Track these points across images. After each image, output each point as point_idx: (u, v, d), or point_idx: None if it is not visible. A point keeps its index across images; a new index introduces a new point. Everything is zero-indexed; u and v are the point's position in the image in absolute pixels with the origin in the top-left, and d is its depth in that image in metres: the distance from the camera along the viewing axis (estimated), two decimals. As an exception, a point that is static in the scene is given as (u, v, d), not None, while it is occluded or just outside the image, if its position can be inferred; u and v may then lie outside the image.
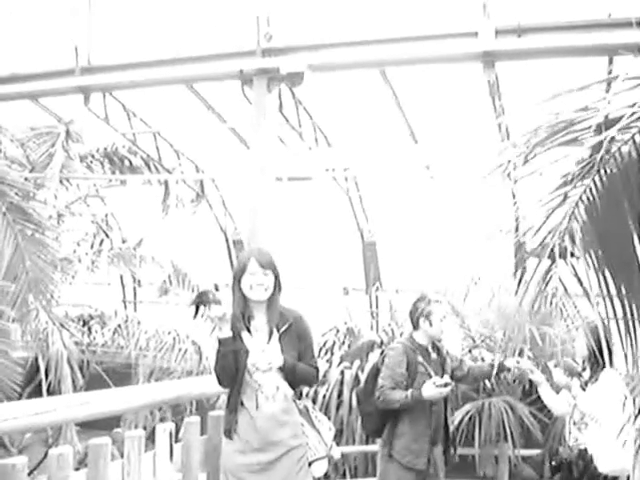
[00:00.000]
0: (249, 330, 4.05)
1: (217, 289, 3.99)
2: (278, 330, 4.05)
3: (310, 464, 4.04)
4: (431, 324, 5.17)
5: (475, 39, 6.79)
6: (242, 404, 3.96)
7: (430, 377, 5.03)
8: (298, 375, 4.06)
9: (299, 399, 4.14)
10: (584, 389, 5.14)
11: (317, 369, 4.20)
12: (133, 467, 3.53)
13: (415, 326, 5.27)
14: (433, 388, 4.88)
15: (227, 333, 3.90)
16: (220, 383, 4.05)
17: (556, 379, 5.39)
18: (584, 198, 2.59)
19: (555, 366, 5.60)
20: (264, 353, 3.97)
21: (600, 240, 2.66)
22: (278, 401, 3.97)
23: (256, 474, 3.90)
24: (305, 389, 8.84)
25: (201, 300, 3.81)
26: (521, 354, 6.02)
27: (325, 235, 11.62)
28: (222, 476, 4.03)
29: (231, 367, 3.92)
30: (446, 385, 4.89)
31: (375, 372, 5.25)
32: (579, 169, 2.58)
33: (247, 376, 3.96)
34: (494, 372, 5.57)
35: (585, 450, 5.01)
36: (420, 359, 5.12)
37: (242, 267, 4.02)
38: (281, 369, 3.99)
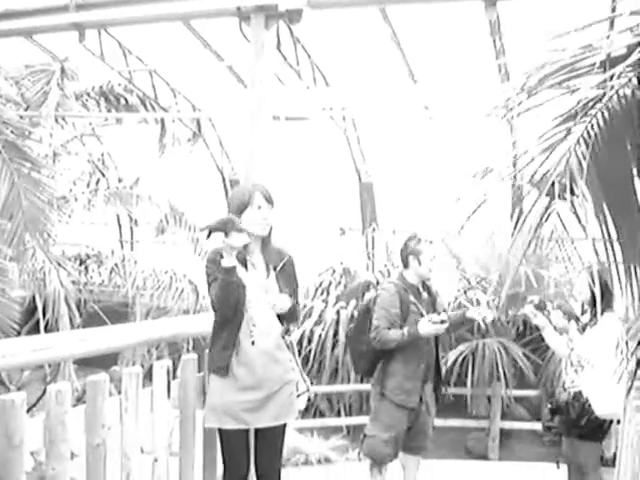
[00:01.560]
0: (245, 265, 3.98)
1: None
2: (274, 268, 4.03)
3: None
4: (420, 263, 5.21)
5: (477, -23, 6.69)
6: (238, 341, 3.92)
7: (422, 316, 5.09)
8: (292, 313, 4.11)
9: (286, 334, 4.13)
10: (583, 332, 5.18)
11: (299, 307, 4.31)
12: (131, 403, 3.56)
13: (405, 265, 5.31)
14: (430, 325, 4.93)
15: (233, 262, 3.78)
16: (221, 315, 3.94)
17: (554, 321, 5.42)
18: (585, 135, 2.57)
19: (553, 309, 5.63)
20: (268, 292, 3.97)
21: (600, 179, 2.64)
22: (272, 337, 3.98)
23: (250, 412, 3.89)
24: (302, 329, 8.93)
25: (225, 227, 3.68)
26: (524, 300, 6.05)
27: (322, 175, 11.58)
28: (211, 414, 3.97)
29: (234, 298, 3.83)
30: (442, 322, 4.94)
31: (365, 311, 5.32)
32: (582, 105, 2.55)
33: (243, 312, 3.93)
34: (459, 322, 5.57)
35: (580, 392, 5.08)
36: (412, 298, 5.18)
37: (246, 200, 3.93)
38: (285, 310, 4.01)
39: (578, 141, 2.56)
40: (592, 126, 2.57)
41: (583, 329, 5.20)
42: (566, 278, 8.36)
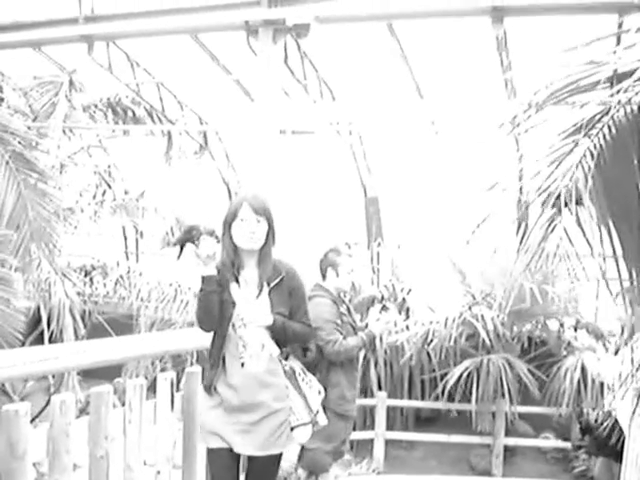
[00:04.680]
0: (238, 281, 3.71)
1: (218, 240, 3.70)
2: (269, 284, 3.71)
3: (292, 429, 3.75)
4: (338, 275, 5.24)
5: (484, -7, 6.72)
6: (224, 360, 3.67)
7: (352, 324, 5.22)
8: (289, 334, 3.75)
9: (286, 359, 3.78)
10: (616, 353, 5.17)
11: (310, 326, 3.88)
12: (134, 415, 3.56)
13: (323, 276, 5.35)
14: (380, 323, 4.99)
15: (212, 270, 3.59)
16: (201, 327, 3.75)
17: (580, 341, 5.42)
18: (592, 148, 2.58)
19: (580, 328, 5.64)
20: (252, 308, 3.66)
21: (606, 191, 2.65)
22: (263, 360, 3.67)
23: (237, 434, 3.64)
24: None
25: (190, 236, 3.55)
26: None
27: (328, 189, 11.59)
28: (199, 433, 3.81)
29: (214, 309, 3.62)
30: (384, 308, 5.02)
31: None
32: (588, 120, 2.56)
33: (231, 330, 3.66)
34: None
35: (609, 412, 5.07)
36: (342, 309, 5.23)
37: (233, 212, 3.63)
38: (268, 328, 3.68)
39: (584, 154, 2.57)
40: (598, 140, 2.58)
41: (616, 350, 5.20)
42: (572, 294, 8.34)
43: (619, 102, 2.50)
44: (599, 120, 2.58)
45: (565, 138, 2.66)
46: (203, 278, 3.61)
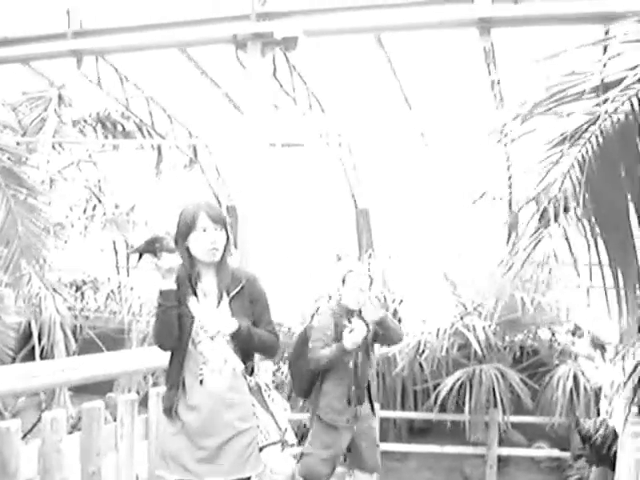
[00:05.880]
0: (196, 294, 3.52)
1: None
2: (228, 294, 3.52)
3: (261, 450, 3.53)
4: (346, 292, 5.44)
5: (471, 5, 6.73)
6: (184, 379, 3.48)
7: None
8: (256, 342, 3.54)
9: (250, 375, 3.57)
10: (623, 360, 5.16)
11: (277, 335, 3.67)
12: (126, 430, 3.55)
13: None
14: (349, 336, 5.07)
15: (171, 285, 3.40)
16: (160, 346, 3.54)
17: (578, 349, 5.43)
18: (580, 158, 2.59)
19: (579, 336, 5.65)
20: (213, 317, 3.47)
21: (594, 201, 2.66)
22: (225, 376, 3.47)
23: (201, 462, 3.42)
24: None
25: (153, 248, 3.30)
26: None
27: (318, 201, 11.61)
28: (161, 460, 3.53)
29: (174, 326, 3.42)
30: (352, 331, 5.09)
31: (304, 337, 5.51)
32: (575, 129, 2.58)
33: (191, 346, 3.47)
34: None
35: (604, 421, 5.06)
36: (346, 322, 5.28)
37: (190, 222, 3.42)
38: (233, 337, 3.47)
39: (572, 165, 2.59)
40: (586, 150, 2.59)
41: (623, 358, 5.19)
42: (562, 303, 8.36)
43: (606, 112, 2.51)
44: (586, 130, 2.59)
45: (552, 148, 2.68)
46: (161, 292, 3.41)
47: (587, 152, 2.59)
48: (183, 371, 3.47)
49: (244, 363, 3.54)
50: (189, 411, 3.44)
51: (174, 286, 3.42)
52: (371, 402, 5.53)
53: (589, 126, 2.58)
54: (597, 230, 2.68)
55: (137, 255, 3.38)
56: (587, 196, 2.58)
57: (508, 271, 2.85)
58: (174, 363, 3.51)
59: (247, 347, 3.55)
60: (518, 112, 2.69)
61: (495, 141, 2.93)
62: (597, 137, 2.57)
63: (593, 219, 2.67)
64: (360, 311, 5.34)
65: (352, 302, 5.35)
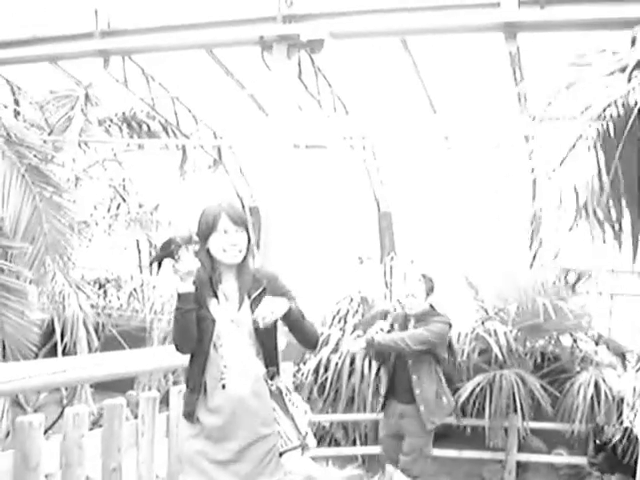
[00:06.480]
0: (217, 297, 3.45)
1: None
2: (249, 296, 3.45)
3: (281, 455, 3.46)
4: None
5: (497, 9, 6.72)
6: (205, 383, 3.42)
7: None
8: (307, 322, 3.48)
9: (271, 379, 3.49)
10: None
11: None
12: (147, 428, 3.57)
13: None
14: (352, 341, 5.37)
15: (189, 287, 3.32)
16: (178, 349, 3.47)
17: (599, 357, 5.41)
18: (602, 162, 2.58)
19: (602, 344, 5.63)
20: (240, 327, 3.41)
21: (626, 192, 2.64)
22: (248, 381, 3.41)
23: (219, 466, 3.37)
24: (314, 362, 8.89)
25: (169, 251, 3.23)
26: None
27: (341, 203, 11.62)
28: (179, 465, 3.54)
29: (191, 329, 3.36)
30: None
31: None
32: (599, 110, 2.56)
33: (212, 350, 3.40)
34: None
35: (627, 429, 5.02)
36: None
37: (211, 224, 3.37)
38: (285, 317, 3.36)
39: (599, 167, 2.57)
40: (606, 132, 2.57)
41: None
42: (585, 310, 8.31)
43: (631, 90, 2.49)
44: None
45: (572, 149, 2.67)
46: (179, 295, 3.35)
47: (607, 154, 2.58)
48: (204, 374, 3.41)
49: (266, 367, 3.48)
50: (210, 414, 3.40)
51: (192, 289, 3.36)
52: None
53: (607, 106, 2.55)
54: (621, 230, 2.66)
55: (156, 264, 3.33)
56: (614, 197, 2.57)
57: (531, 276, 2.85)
58: (195, 366, 3.46)
59: (300, 327, 3.47)
60: (542, 116, 2.69)
61: (519, 145, 2.94)
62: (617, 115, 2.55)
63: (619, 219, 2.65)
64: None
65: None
